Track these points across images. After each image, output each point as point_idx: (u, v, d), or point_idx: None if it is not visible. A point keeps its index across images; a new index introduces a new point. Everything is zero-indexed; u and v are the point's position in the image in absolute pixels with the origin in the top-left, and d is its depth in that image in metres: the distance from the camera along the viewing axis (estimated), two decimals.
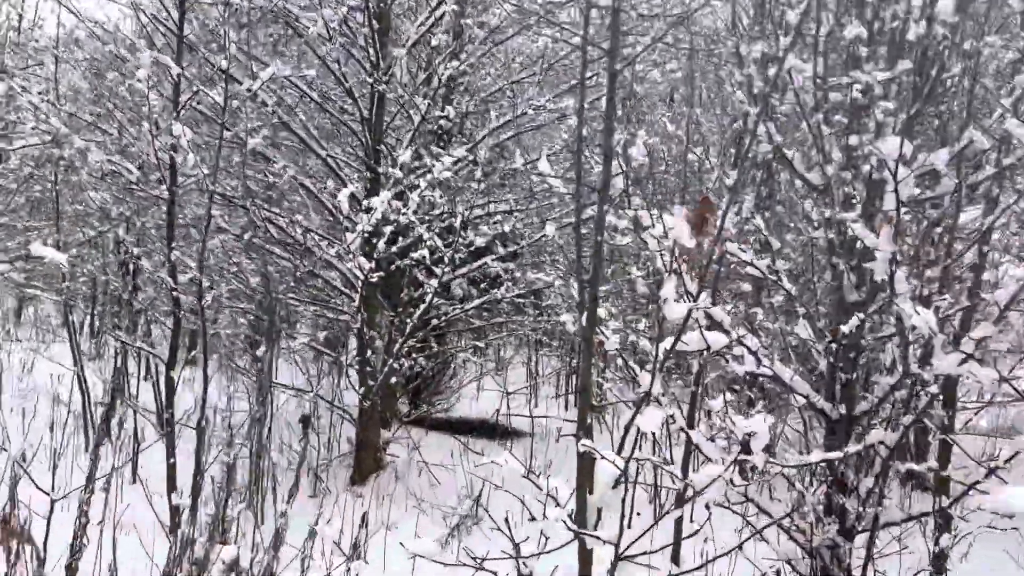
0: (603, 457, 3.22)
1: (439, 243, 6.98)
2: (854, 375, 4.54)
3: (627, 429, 3.44)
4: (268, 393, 8.08)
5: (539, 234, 8.28)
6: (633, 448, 3.35)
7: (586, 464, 3.50)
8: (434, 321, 9.94)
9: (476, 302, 9.40)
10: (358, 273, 6.89)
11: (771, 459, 3.58)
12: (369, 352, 8.81)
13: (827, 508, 4.53)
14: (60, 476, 8.09)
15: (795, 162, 4.68)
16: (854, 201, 4.52)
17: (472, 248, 8.56)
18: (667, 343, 3.96)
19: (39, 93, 7.71)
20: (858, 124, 4.32)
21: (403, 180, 6.47)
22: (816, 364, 4.97)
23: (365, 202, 6.17)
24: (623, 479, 3.26)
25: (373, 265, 6.84)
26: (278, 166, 7.23)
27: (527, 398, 18.69)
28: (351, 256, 6.60)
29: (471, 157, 7.38)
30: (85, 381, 9.32)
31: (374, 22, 7.91)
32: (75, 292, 9.15)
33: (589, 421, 3.74)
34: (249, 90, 6.21)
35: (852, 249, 4.61)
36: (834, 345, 4.49)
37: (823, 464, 4.58)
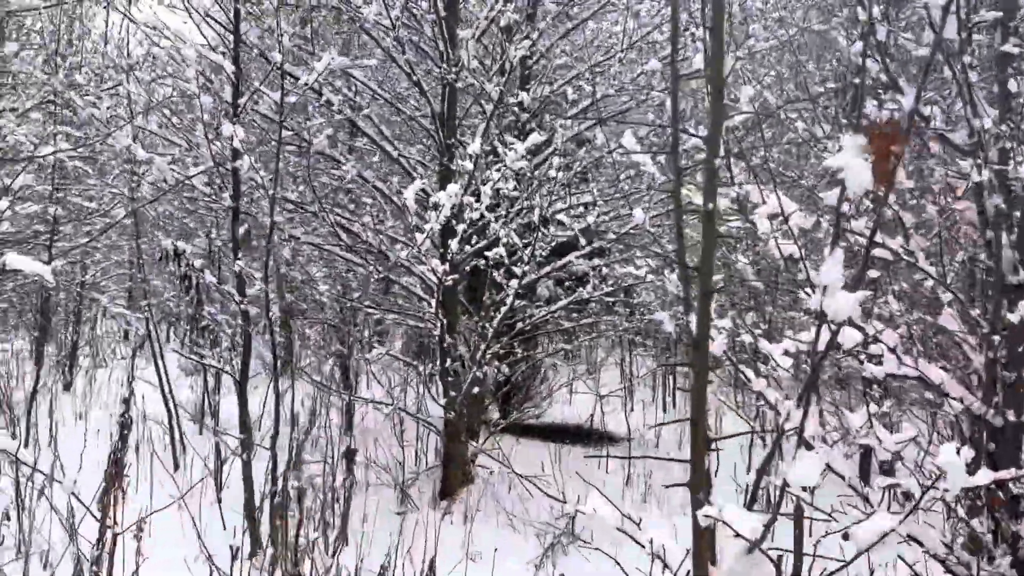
0: (733, 530, 2.34)
1: (517, 240, 6.38)
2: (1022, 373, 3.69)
3: (760, 474, 2.59)
4: (351, 411, 7.67)
5: (627, 224, 7.57)
6: (777, 504, 2.43)
7: (706, 531, 2.64)
8: (519, 325, 9.36)
9: (562, 303, 8.75)
10: (432, 277, 6.36)
11: (929, 483, 2.81)
12: (451, 360, 8.29)
13: (995, 537, 3.69)
14: (142, 497, 7.86)
15: (934, 120, 3.86)
16: (1012, 161, 3.68)
17: (554, 245, 7.92)
18: (789, 345, 3.22)
19: (108, 107, 7.52)
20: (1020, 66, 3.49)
21: (473, 172, 5.88)
22: (966, 362, 4.13)
23: (434, 198, 5.62)
24: (760, 543, 2.36)
25: (447, 267, 6.30)
26: (346, 167, 6.77)
27: (622, 401, 17.94)
28: (424, 258, 6.07)
29: (549, 146, 6.75)
30: (172, 400, 9.14)
31: (440, 7, 7.39)
32: (159, 309, 8.91)
33: (707, 464, 2.80)
34: (307, 84, 5.74)
35: (1011, 220, 3.77)
36: (996, 337, 3.65)
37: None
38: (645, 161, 4.24)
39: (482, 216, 6.28)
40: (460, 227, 6.05)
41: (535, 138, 5.52)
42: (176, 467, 9.35)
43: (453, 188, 5.25)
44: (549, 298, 12.68)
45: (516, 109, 8.10)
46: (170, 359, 10.85)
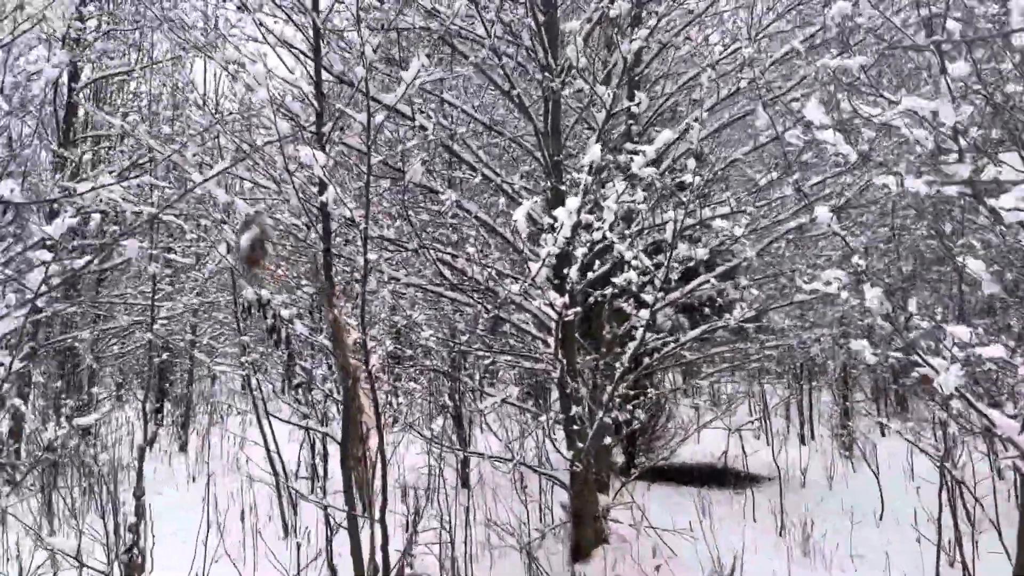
0: None
1: (647, 263, 5.39)
2: None
3: None
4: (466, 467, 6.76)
5: (771, 235, 6.44)
6: None
7: None
8: (645, 360, 8.30)
9: (695, 332, 7.65)
10: (550, 312, 5.43)
11: None
12: (574, 405, 7.31)
13: None
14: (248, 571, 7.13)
15: None
16: None
17: (686, 266, 6.88)
18: None
19: (193, 155, 7.01)
20: None
21: (591, 186, 4.94)
22: None
23: (548, 219, 4.71)
24: None
25: (567, 299, 5.35)
26: (444, 196, 5.96)
27: (755, 434, 16.41)
28: (539, 291, 5.16)
29: (676, 149, 5.77)
30: (281, 461, 8.50)
31: (539, 14, 6.57)
32: (257, 365, 8.31)
33: None
34: (398, 98, 4.97)
35: None
36: None
37: None
38: (835, 140, 3.21)
39: (603, 237, 5.32)
40: (579, 251, 5.11)
41: (667, 135, 4.56)
42: (285, 533, 8.67)
43: (573, 202, 4.33)
44: (673, 327, 11.54)
45: (627, 119, 7.15)
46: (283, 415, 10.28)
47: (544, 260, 4.72)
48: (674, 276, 5.88)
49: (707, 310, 12.11)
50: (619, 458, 13.21)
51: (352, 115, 5.23)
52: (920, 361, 3.40)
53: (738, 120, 6.84)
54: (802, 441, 15.33)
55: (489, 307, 6.53)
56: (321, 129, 5.63)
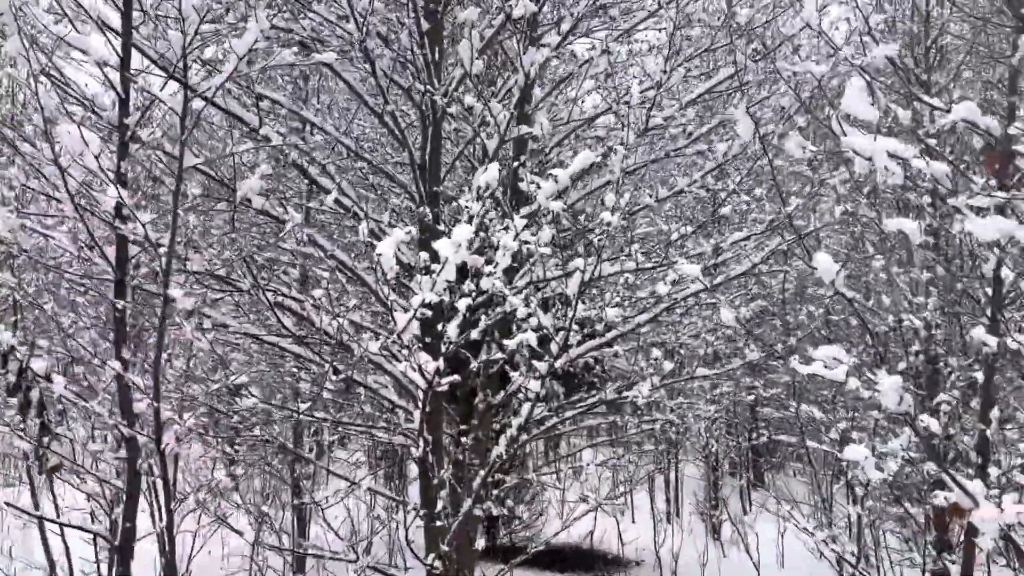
0: None
1: (545, 322, 4.17)
2: None
3: None
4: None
5: (661, 301, 5.41)
6: None
7: None
8: (522, 436, 7.06)
9: (588, 403, 6.49)
10: (416, 379, 4.10)
11: None
12: (438, 494, 5.96)
13: None
14: None
15: None
16: None
17: (590, 330, 5.75)
18: None
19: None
20: None
21: (483, 221, 3.72)
22: None
23: (422, 256, 3.42)
24: None
25: (441, 363, 4.05)
26: (288, 220, 4.57)
27: (619, 510, 15.40)
28: (405, 351, 3.83)
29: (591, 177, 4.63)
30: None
31: (422, 20, 5.38)
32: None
33: None
34: (227, 76, 3.59)
35: None
36: None
37: None
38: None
39: (492, 287, 4.08)
40: (462, 303, 3.84)
41: (586, 157, 3.41)
42: None
43: (462, 232, 3.06)
44: (547, 395, 10.40)
45: (517, 152, 6.02)
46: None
47: (416, 310, 3.42)
48: (574, 341, 4.69)
49: (583, 378, 11.12)
50: (480, 540, 11.82)
51: (163, 99, 3.78)
52: (950, 482, 2.36)
53: (654, 163, 5.88)
54: (668, 519, 14.45)
55: (339, 367, 5.11)
56: (124, 119, 4.13)
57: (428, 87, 5.26)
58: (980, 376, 4.12)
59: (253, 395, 5.03)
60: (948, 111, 2.11)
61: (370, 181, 7.38)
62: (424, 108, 5.76)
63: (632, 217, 6.20)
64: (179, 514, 5.17)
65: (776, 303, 7.09)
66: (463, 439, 7.00)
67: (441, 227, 5.51)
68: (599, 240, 3.85)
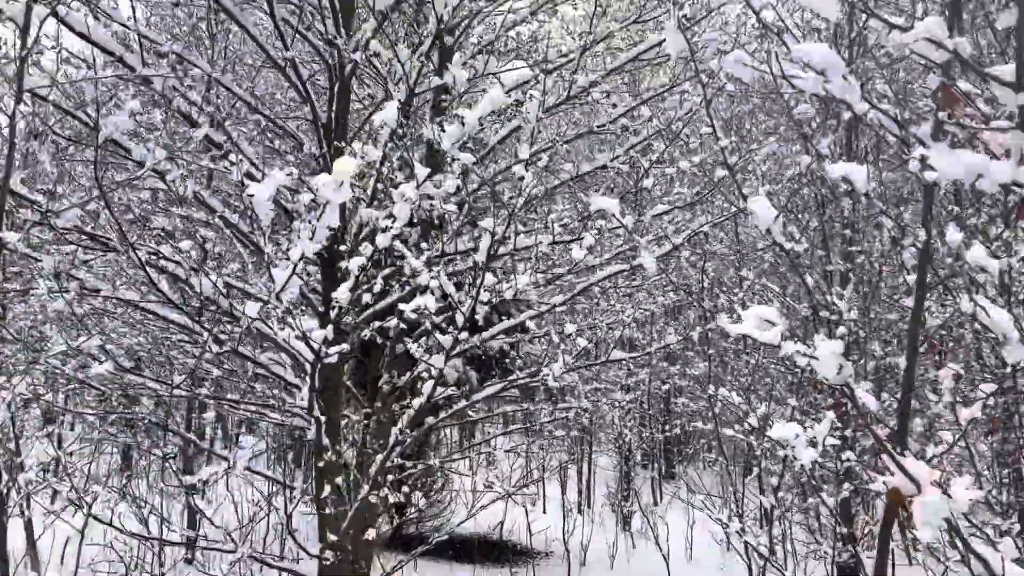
0: None
1: (451, 290, 3.74)
2: None
3: None
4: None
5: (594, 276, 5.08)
6: None
7: None
8: (428, 419, 6.62)
9: (495, 387, 6.11)
10: (302, 348, 3.62)
11: None
12: (332, 477, 5.48)
13: None
14: None
15: None
16: None
17: (497, 300, 5.32)
18: None
19: None
20: None
21: (381, 166, 3.26)
22: None
23: (303, 200, 2.92)
24: None
25: (329, 332, 3.58)
26: (148, 155, 4.01)
27: (531, 500, 15.12)
28: (290, 316, 3.35)
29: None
30: None
31: None
32: None
33: None
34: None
35: None
36: None
37: None
38: None
39: (387, 251, 3.64)
40: (354, 262, 3.38)
41: (496, 97, 2.97)
42: None
43: (346, 164, 2.58)
44: (459, 381, 9.97)
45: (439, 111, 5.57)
46: None
47: (295, 265, 2.94)
48: (480, 315, 4.27)
49: (498, 364, 10.74)
50: (384, 527, 11.32)
51: None
52: (890, 465, 2.05)
53: (578, 138, 5.51)
54: (579, 510, 14.24)
55: (221, 337, 4.57)
56: None
57: (335, 37, 4.75)
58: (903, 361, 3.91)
59: (112, 361, 4.44)
60: (909, 28, 1.79)
61: (275, 146, 6.81)
62: (331, 61, 5.25)
63: (552, 193, 5.83)
64: (37, 499, 4.55)
65: (695, 293, 6.85)
66: (366, 423, 6.54)
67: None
68: (511, 199, 3.45)
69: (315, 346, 3.71)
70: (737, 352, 8.97)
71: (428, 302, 3.37)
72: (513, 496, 11.36)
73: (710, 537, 10.62)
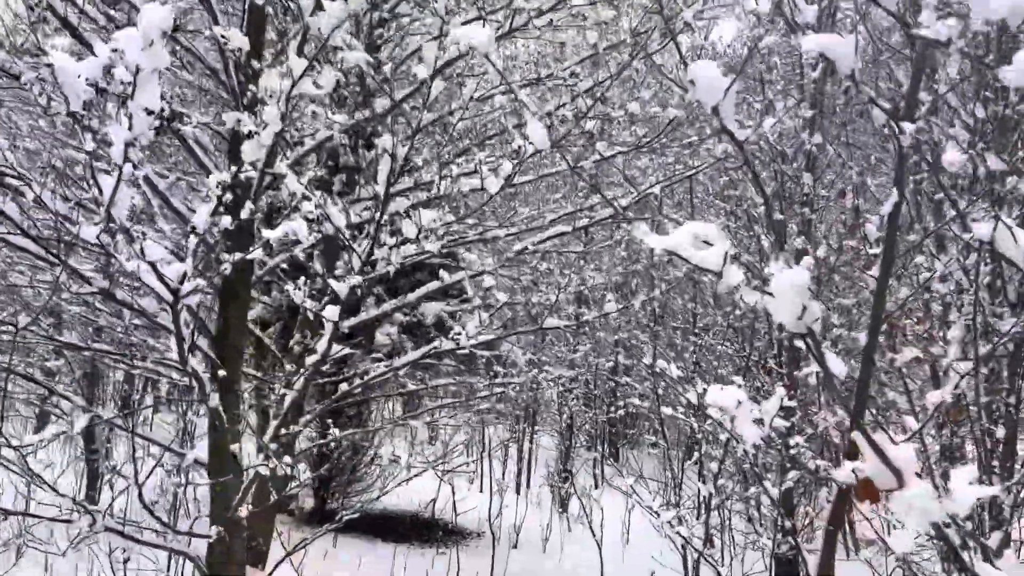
0: None
1: (341, 222, 3.05)
2: None
3: None
4: None
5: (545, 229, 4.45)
6: None
7: None
8: (344, 386, 5.95)
9: (414, 355, 5.47)
10: (154, 283, 2.94)
11: None
12: (224, 441, 4.81)
13: None
14: None
15: None
16: None
17: (407, 260, 4.65)
18: None
19: None
20: None
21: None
22: None
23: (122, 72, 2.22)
24: None
25: (189, 265, 2.90)
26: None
27: (469, 479, 14.56)
28: (129, 242, 2.67)
29: None
30: None
31: None
32: None
33: None
34: None
35: None
36: None
37: None
38: None
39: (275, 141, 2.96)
40: (212, 180, 2.69)
41: None
42: None
43: (158, 10, 1.90)
44: (393, 350, 9.32)
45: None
46: None
47: (119, 168, 2.26)
48: (395, 260, 3.59)
49: (435, 333, 10.11)
50: (307, 501, 10.64)
51: None
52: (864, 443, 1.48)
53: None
54: (517, 490, 13.71)
55: (85, 273, 3.85)
56: None
57: None
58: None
59: None
60: None
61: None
62: None
63: (483, 137, 5.15)
64: None
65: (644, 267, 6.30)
66: (267, 387, 5.88)
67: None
68: (414, 108, 2.80)
69: (171, 283, 3.03)
70: (685, 331, 8.46)
71: (299, 228, 2.70)
72: (444, 473, 10.74)
73: (648, 523, 10.18)
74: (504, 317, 4.75)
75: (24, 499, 5.32)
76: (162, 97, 2.23)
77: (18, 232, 3.78)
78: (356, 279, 3.18)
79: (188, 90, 5.34)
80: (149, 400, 14.52)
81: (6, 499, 5.75)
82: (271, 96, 2.50)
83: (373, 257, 3.29)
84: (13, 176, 3.75)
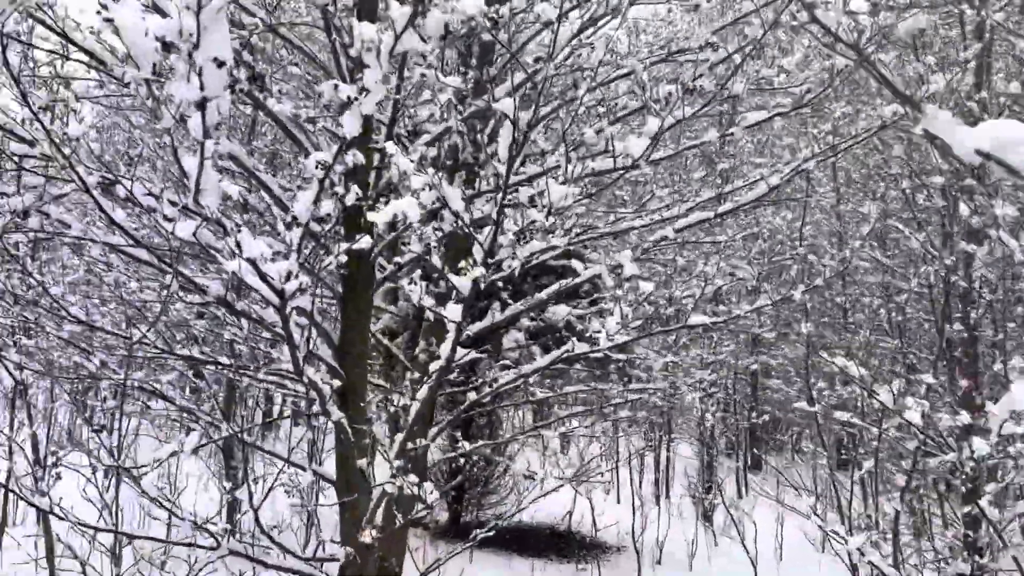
0: None
1: (460, 206, 2.62)
2: None
3: None
4: None
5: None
6: None
7: None
8: (473, 395, 5.56)
9: (544, 360, 4.99)
10: (259, 286, 2.60)
11: None
12: (355, 457, 4.50)
13: None
14: None
15: None
16: None
17: (533, 257, 4.18)
18: None
19: None
20: None
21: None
22: None
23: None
24: None
25: (294, 264, 2.55)
26: None
27: (604, 488, 13.95)
28: (222, 237, 2.33)
29: None
30: None
31: None
32: None
33: None
34: None
35: None
36: None
37: None
38: None
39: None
40: (311, 161, 2.32)
41: None
42: None
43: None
44: (520, 356, 8.90)
45: None
46: None
47: (202, 145, 1.89)
48: (521, 255, 3.13)
49: (566, 335, 9.63)
50: (441, 514, 10.38)
51: None
52: None
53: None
54: (656, 501, 12.98)
55: (200, 281, 3.61)
56: None
57: None
58: None
59: (77, 320, 3.52)
60: None
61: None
62: None
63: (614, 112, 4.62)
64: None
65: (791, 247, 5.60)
66: (390, 398, 5.55)
67: None
68: (539, 61, 2.33)
69: (277, 284, 2.68)
70: (845, 326, 7.57)
71: (407, 207, 2.28)
72: (579, 484, 10.20)
73: (802, 536, 9.27)
74: (644, 314, 4.20)
75: (161, 521, 5.20)
76: (246, 63, 1.85)
77: (131, 241, 3.58)
78: (479, 271, 2.74)
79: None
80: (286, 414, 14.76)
81: (157, 528, 5.69)
82: (370, 51, 2.10)
83: (498, 244, 2.84)
84: (118, 181, 3.55)
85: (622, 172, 3.70)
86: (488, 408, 8.45)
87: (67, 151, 3.25)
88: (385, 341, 7.79)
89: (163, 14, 2.23)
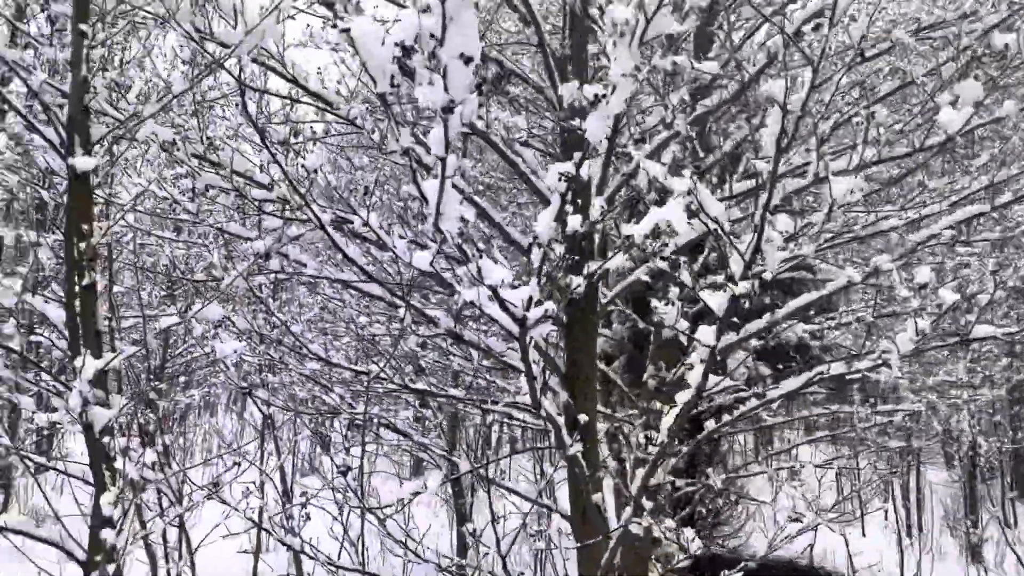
0: None
1: (719, 210, 2.24)
2: None
3: None
4: None
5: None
6: None
7: None
8: (711, 423, 5.09)
9: (796, 382, 4.43)
10: (498, 314, 2.38)
11: None
12: (591, 492, 4.21)
13: None
14: None
15: None
16: None
17: (782, 268, 3.70)
18: None
19: None
20: None
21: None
22: None
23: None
24: None
25: (535, 286, 2.30)
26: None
27: (848, 520, 12.65)
28: (462, 260, 2.13)
29: None
30: None
31: None
32: None
33: None
34: None
35: None
36: None
37: None
38: None
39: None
40: (554, 175, 2.07)
41: None
42: None
43: None
44: (749, 378, 8.23)
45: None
46: None
47: (442, 163, 1.70)
48: (772, 264, 2.71)
49: (796, 357, 8.82)
50: (672, 547, 9.83)
51: None
52: None
53: None
54: (908, 534, 11.57)
55: (430, 313, 3.50)
56: None
57: None
58: None
59: (317, 356, 3.52)
60: None
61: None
62: None
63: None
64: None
65: None
66: (622, 428, 5.22)
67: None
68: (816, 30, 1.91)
69: (517, 312, 2.44)
70: None
71: (673, 215, 1.93)
72: (828, 524, 9.24)
73: None
74: (939, 328, 3.54)
75: (399, 557, 5.21)
76: (493, 59, 1.61)
77: (363, 276, 3.54)
78: (743, 287, 2.34)
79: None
80: (505, 448, 14.89)
81: (394, 562, 5.74)
82: (623, 37, 1.81)
83: (760, 255, 2.42)
84: (354, 212, 3.52)
85: (935, 151, 3.12)
86: (715, 435, 7.86)
87: (302, 190, 3.26)
88: (601, 366, 7.49)
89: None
